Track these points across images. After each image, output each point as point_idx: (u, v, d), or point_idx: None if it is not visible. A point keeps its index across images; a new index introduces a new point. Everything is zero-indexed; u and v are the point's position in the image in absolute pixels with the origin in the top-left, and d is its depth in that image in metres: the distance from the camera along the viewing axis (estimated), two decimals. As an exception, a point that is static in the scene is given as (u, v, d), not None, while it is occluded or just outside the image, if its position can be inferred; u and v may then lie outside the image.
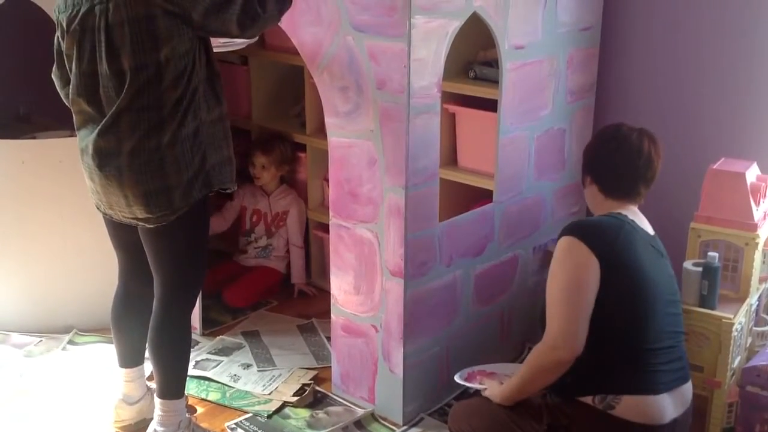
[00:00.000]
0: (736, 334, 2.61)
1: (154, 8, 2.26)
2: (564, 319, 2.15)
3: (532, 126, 2.96)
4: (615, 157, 2.31)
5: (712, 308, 2.62)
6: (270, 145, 3.72)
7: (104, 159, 2.38)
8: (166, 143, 2.35)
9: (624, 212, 2.30)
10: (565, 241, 2.21)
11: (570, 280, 2.17)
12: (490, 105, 2.90)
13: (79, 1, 2.34)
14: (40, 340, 3.36)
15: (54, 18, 2.44)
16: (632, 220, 2.28)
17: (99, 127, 2.37)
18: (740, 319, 2.64)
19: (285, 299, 3.75)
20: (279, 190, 3.79)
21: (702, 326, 2.59)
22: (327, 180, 3.17)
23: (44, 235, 3.33)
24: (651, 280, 2.21)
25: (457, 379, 2.61)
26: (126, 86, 2.30)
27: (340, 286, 2.85)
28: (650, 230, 2.33)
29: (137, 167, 2.35)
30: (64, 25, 2.38)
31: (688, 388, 2.26)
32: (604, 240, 2.19)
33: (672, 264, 2.35)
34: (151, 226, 2.45)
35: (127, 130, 2.34)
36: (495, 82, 2.88)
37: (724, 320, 2.58)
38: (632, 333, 2.18)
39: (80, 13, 2.33)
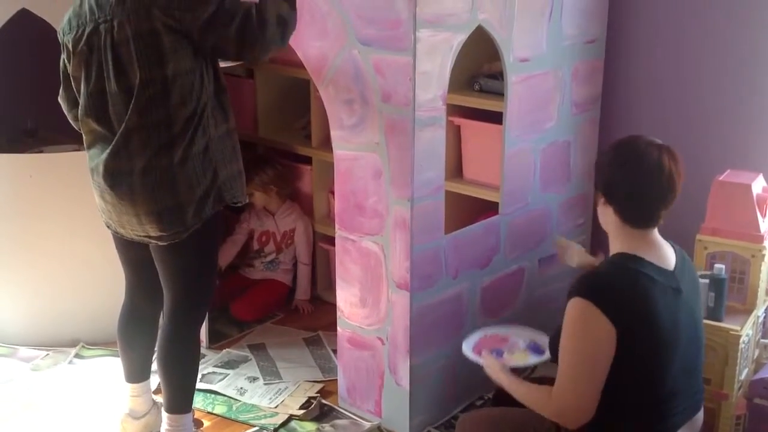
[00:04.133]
0: (743, 346, 2.60)
1: (157, 24, 2.27)
2: (575, 392, 2.04)
3: (537, 138, 2.97)
4: (634, 181, 2.10)
5: (719, 320, 2.61)
6: (247, 173, 3.69)
7: (116, 178, 2.38)
8: (178, 161, 2.35)
9: (640, 249, 2.12)
10: (579, 305, 2.04)
11: (584, 351, 2.03)
12: (496, 117, 2.90)
13: (83, 21, 2.35)
14: (47, 354, 3.37)
15: (60, 40, 2.45)
16: (649, 263, 2.10)
17: (110, 147, 2.37)
18: (747, 331, 2.63)
19: (291, 312, 3.75)
20: (283, 208, 3.79)
21: (709, 338, 2.58)
22: (333, 193, 3.17)
23: (51, 249, 3.34)
24: (671, 336, 2.07)
25: (464, 348, 2.58)
26: (134, 104, 2.31)
27: (346, 299, 2.85)
28: (671, 262, 2.15)
29: (149, 186, 2.36)
30: (70, 47, 2.39)
31: (699, 415, 2.21)
32: (620, 304, 2.03)
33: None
34: (164, 243, 2.45)
35: (137, 149, 2.34)
36: (500, 94, 2.88)
37: (731, 332, 2.57)
38: (648, 391, 2.08)
39: (86, 33, 2.34)
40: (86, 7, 2.35)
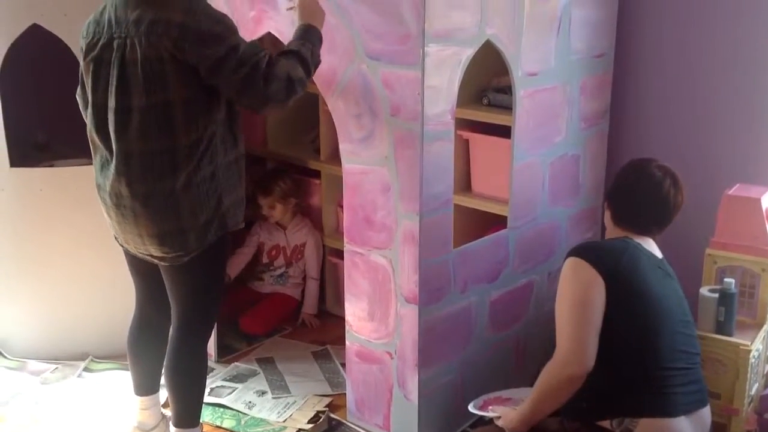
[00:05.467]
0: (753, 361, 2.59)
1: (164, 53, 2.25)
2: (573, 336, 2.18)
3: (546, 152, 2.97)
4: (633, 194, 2.39)
5: (729, 335, 2.61)
6: (268, 185, 3.73)
7: (119, 199, 2.39)
8: (181, 187, 2.34)
9: (631, 236, 2.37)
10: (570, 262, 2.28)
11: (576, 298, 2.22)
12: (504, 131, 2.91)
13: (100, 31, 2.35)
14: (56, 368, 3.37)
15: (80, 41, 2.45)
16: (638, 243, 2.34)
17: (112, 169, 2.37)
18: (757, 345, 2.62)
19: (299, 326, 3.75)
20: (294, 222, 3.80)
21: (719, 353, 2.58)
22: (341, 206, 3.18)
23: (60, 262, 3.35)
24: (658, 298, 2.25)
25: (471, 408, 2.60)
26: (133, 126, 2.30)
27: (355, 313, 2.85)
28: (658, 254, 2.39)
29: (152, 210, 2.35)
30: (84, 51, 2.40)
31: (706, 412, 2.25)
32: (608, 260, 2.26)
33: (688, 290, 2.35)
34: (167, 264, 2.46)
35: (138, 174, 2.34)
36: (508, 108, 2.89)
37: (741, 347, 2.56)
38: (644, 351, 2.21)
39: (99, 44, 2.35)
40: (106, 17, 2.35)
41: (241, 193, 2.53)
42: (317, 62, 2.47)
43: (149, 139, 2.31)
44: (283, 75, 2.32)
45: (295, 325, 3.74)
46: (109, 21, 2.33)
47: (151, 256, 2.46)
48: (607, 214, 2.45)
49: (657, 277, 2.30)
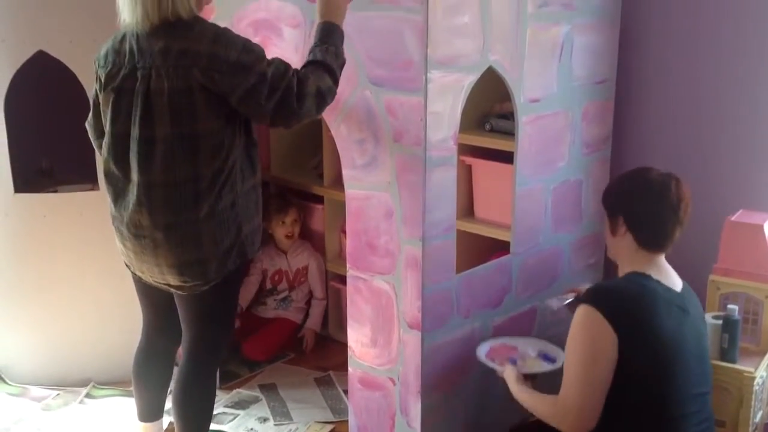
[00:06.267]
0: (757, 388, 2.57)
1: (194, 83, 2.25)
2: (578, 394, 2.14)
3: (548, 178, 2.97)
4: (658, 207, 2.26)
5: (733, 362, 2.59)
6: (283, 204, 3.76)
7: (139, 229, 2.37)
8: (203, 217, 2.33)
9: (650, 269, 2.26)
10: (583, 311, 2.18)
11: (587, 353, 2.14)
12: (507, 157, 2.92)
13: (121, 61, 2.34)
14: (58, 394, 3.36)
15: (94, 68, 2.44)
16: (657, 281, 2.24)
17: (133, 200, 2.35)
18: (761, 372, 2.61)
19: (302, 351, 3.74)
20: (295, 246, 3.81)
21: (723, 380, 2.56)
22: (344, 232, 3.18)
23: (63, 288, 3.35)
24: (674, 346, 2.16)
25: (479, 354, 2.65)
26: (157, 156, 2.29)
27: (358, 339, 2.85)
28: (678, 284, 2.29)
29: (173, 241, 2.35)
30: (103, 81, 2.38)
31: None
32: (623, 310, 2.16)
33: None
34: (184, 293, 2.45)
35: (161, 205, 2.32)
36: (511, 134, 2.89)
37: (745, 374, 2.55)
38: (657, 401, 2.14)
39: (121, 74, 2.33)
40: (127, 46, 2.33)
41: (258, 221, 2.53)
42: (342, 63, 2.44)
43: (173, 170, 2.30)
44: (313, 90, 2.32)
45: (298, 350, 3.73)
46: (131, 51, 2.32)
47: (169, 285, 2.46)
48: (625, 239, 2.29)
49: (674, 321, 2.19)
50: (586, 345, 2.15)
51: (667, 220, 2.25)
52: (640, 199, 2.30)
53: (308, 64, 2.38)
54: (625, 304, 2.17)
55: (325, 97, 2.36)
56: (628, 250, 2.31)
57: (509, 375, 2.48)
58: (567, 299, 2.64)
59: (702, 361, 2.25)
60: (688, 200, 2.27)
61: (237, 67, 2.25)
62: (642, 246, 2.28)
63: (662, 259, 2.30)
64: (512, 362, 2.59)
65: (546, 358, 2.64)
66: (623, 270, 2.33)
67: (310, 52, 2.40)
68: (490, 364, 2.61)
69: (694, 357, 2.21)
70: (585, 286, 2.66)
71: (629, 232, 2.29)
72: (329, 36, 2.40)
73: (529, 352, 2.68)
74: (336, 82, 2.40)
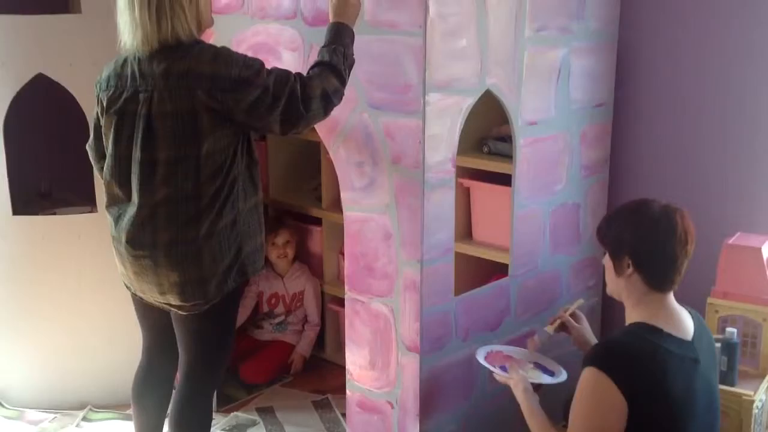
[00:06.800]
0: (756, 411, 2.57)
1: (199, 104, 2.26)
2: None
3: (546, 200, 2.98)
4: (667, 245, 2.13)
5: (732, 385, 2.59)
6: (275, 224, 3.75)
7: (139, 249, 2.37)
8: (204, 235, 2.33)
9: (661, 317, 2.14)
10: (591, 375, 2.06)
11: (594, 420, 2.05)
12: (505, 179, 2.92)
13: (123, 84, 2.35)
14: (55, 417, 3.35)
15: (95, 92, 2.45)
16: (668, 334, 2.11)
17: (133, 218, 2.36)
18: (761, 396, 2.60)
19: (300, 374, 3.72)
20: (292, 269, 3.80)
21: (722, 404, 2.54)
22: (343, 254, 3.19)
23: (60, 311, 3.34)
24: (684, 408, 2.08)
25: (479, 357, 2.58)
26: (159, 177, 2.30)
27: (356, 361, 2.84)
28: (689, 330, 2.16)
29: (174, 258, 2.34)
30: (105, 104, 2.39)
31: None
32: (635, 375, 2.05)
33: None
34: (184, 313, 2.45)
35: (163, 222, 2.33)
36: (509, 156, 2.90)
37: (744, 397, 2.54)
38: None
39: (123, 97, 2.34)
40: (128, 70, 2.34)
41: (260, 240, 2.53)
42: (351, 63, 2.44)
43: (175, 189, 2.30)
44: (318, 93, 2.33)
45: (296, 372, 3.72)
46: (133, 74, 2.33)
47: (169, 304, 2.45)
48: (632, 280, 2.17)
49: (685, 378, 2.08)
50: (594, 411, 2.06)
51: (677, 257, 2.13)
52: (646, 237, 2.16)
53: (315, 66, 2.39)
54: (636, 369, 2.05)
55: (331, 99, 2.37)
56: (637, 292, 2.18)
57: (517, 383, 2.37)
58: (549, 334, 2.57)
59: (710, 409, 2.17)
60: (694, 232, 2.17)
61: (239, 83, 2.27)
62: (653, 288, 2.16)
63: (672, 299, 2.19)
64: (504, 370, 2.51)
65: (543, 369, 2.59)
66: (631, 315, 2.21)
67: (319, 53, 2.42)
68: (497, 370, 2.51)
69: (703, 408, 2.13)
70: (569, 308, 2.62)
71: (637, 273, 2.16)
72: (338, 36, 2.42)
73: (525, 362, 2.62)
74: (343, 83, 2.41)
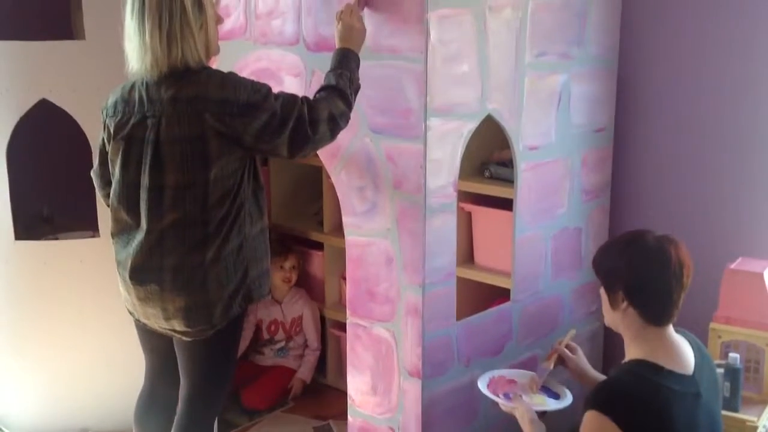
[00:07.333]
0: (761, 436, 2.55)
1: (207, 129, 2.26)
2: None
3: (548, 225, 2.98)
4: (660, 279, 2.10)
5: (735, 411, 2.57)
6: (282, 248, 3.75)
7: (145, 274, 2.37)
8: (210, 259, 2.33)
9: (660, 353, 2.12)
10: (594, 418, 2.05)
11: None
12: (506, 204, 2.93)
13: (130, 110, 2.35)
14: (55, 442, 3.33)
15: (102, 118, 2.46)
16: (669, 372, 2.09)
17: (140, 244, 2.36)
18: (764, 422, 2.58)
19: (301, 400, 3.71)
20: (290, 295, 3.79)
21: (725, 430, 2.54)
22: (344, 278, 3.19)
23: (62, 336, 3.34)
24: None
25: (480, 386, 2.56)
26: (167, 203, 2.30)
27: (358, 387, 2.83)
28: (689, 365, 2.13)
29: (180, 283, 2.34)
30: (112, 130, 2.39)
31: None
32: (636, 417, 2.03)
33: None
34: (189, 339, 2.45)
35: (170, 247, 2.33)
36: (510, 181, 2.91)
37: (747, 423, 2.53)
38: None
39: (130, 123, 2.34)
40: (136, 96, 2.35)
41: (267, 265, 2.52)
42: (357, 88, 2.46)
43: (183, 214, 2.31)
44: (325, 116, 2.34)
45: (298, 398, 3.70)
46: (140, 100, 2.34)
47: (174, 330, 2.44)
48: (628, 315, 2.15)
49: (688, 413, 2.06)
50: None
51: (673, 291, 2.10)
52: (639, 271, 2.13)
53: (321, 90, 2.41)
54: (639, 411, 2.03)
55: (338, 122, 2.38)
56: (634, 327, 2.16)
57: (523, 414, 2.36)
58: (549, 369, 2.55)
59: None
60: (690, 263, 2.13)
61: (248, 108, 2.28)
62: (650, 323, 2.13)
63: (670, 332, 2.17)
64: (507, 397, 2.50)
65: (549, 393, 2.57)
66: (630, 349, 2.19)
67: (325, 78, 2.44)
68: (501, 400, 2.50)
69: None
70: (563, 340, 2.60)
71: (632, 308, 2.14)
72: (345, 61, 2.45)
73: (526, 384, 2.60)
74: (350, 106, 2.43)
